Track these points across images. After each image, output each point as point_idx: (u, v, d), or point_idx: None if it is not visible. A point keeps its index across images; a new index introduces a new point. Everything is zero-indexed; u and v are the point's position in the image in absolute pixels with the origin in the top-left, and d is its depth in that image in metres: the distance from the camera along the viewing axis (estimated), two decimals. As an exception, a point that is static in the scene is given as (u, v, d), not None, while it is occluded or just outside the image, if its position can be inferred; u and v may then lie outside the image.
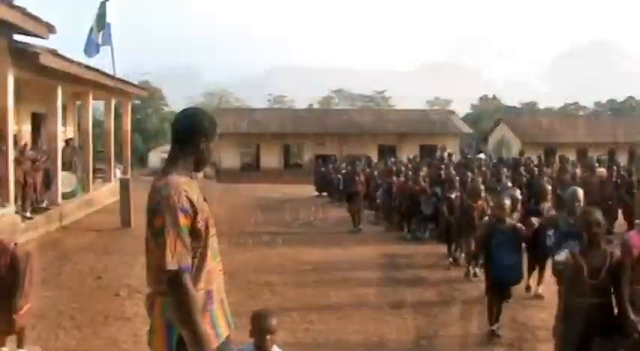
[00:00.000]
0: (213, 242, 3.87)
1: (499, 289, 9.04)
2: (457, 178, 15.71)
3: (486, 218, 10.87)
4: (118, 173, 28.00)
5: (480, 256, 10.01)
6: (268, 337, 4.78)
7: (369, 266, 13.94)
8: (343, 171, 28.68)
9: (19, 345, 7.24)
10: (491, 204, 11.36)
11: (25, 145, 17.69)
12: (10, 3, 13.26)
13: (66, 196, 20.38)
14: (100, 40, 19.46)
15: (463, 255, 13.53)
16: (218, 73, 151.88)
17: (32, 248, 13.25)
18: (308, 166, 48.86)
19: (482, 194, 12.90)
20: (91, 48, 19.43)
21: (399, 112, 59.47)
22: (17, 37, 15.46)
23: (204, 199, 3.88)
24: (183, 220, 3.63)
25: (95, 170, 25.93)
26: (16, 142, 16.55)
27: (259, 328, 4.79)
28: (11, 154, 15.61)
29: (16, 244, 7.23)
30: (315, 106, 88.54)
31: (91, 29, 19.38)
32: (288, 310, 10.12)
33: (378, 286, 12.11)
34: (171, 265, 3.57)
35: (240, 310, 8.62)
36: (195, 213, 3.70)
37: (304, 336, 9.11)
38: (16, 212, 15.87)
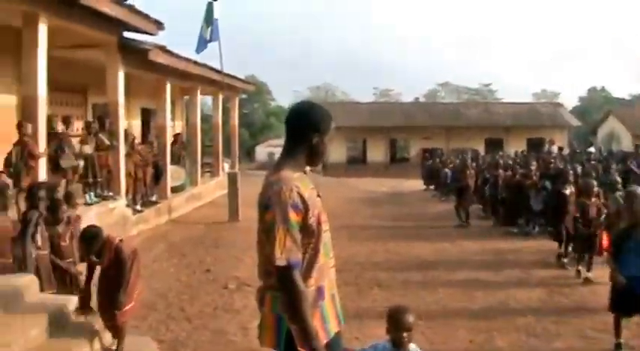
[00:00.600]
0: (325, 238, 3.80)
1: (626, 301, 7.89)
2: (571, 172, 15.01)
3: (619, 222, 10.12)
4: (226, 167, 28.46)
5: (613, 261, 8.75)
6: (406, 334, 4.64)
7: (476, 262, 13.64)
8: (451, 165, 28.32)
9: (119, 341, 7.26)
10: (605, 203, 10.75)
11: (134, 139, 18.13)
12: (120, 1, 13.60)
13: (175, 189, 20.84)
14: (208, 36, 19.81)
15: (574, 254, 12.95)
16: (325, 67, 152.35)
17: (138, 244, 13.55)
18: (414, 159, 48.52)
19: (595, 189, 12.37)
20: (200, 44, 19.81)
21: (505, 105, 58.18)
22: (127, 34, 15.88)
23: (318, 195, 3.82)
24: (293, 216, 3.58)
25: (203, 164, 26.43)
26: (126, 137, 16.99)
27: (397, 324, 4.65)
28: (122, 149, 16.06)
29: (121, 240, 7.30)
30: (421, 99, 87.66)
31: (202, 26, 19.77)
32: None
33: (485, 283, 11.81)
34: (281, 260, 3.53)
35: (348, 306, 8.63)
36: (307, 209, 3.64)
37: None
38: (127, 205, 16.32)
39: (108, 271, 7.13)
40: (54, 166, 12.95)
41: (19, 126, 11.64)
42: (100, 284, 7.20)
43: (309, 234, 3.69)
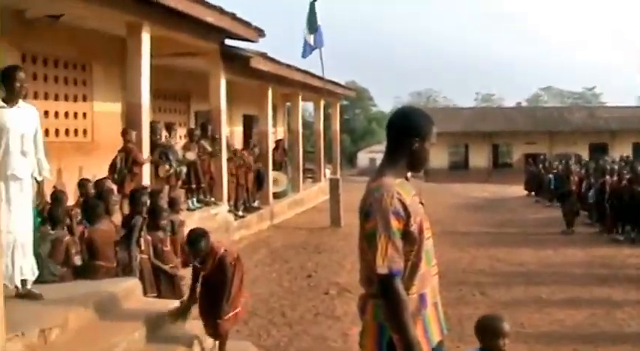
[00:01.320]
0: (427, 246, 3.69)
1: None
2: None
3: None
4: (328, 173, 28.53)
5: None
6: (502, 341, 4.46)
7: (581, 270, 13.23)
8: (554, 170, 27.63)
9: (220, 348, 7.20)
10: None
11: (235, 149, 18.33)
12: (221, 9, 13.76)
13: (277, 195, 20.98)
14: (312, 42, 19.90)
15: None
16: (426, 72, 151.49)
17: (240, 249, 13.67)
18: (517, 165, 47.59)
19: None
20: (306, 49, 19.94)
21: (610, 109, 56.34)
22: (228, 41, 16.06)
23: (421, 202, 3.73)
24: (395, 224, 3.49)
25: (305, 170, 26.51)
26: (228, 144, 17.18)
27: (492, 332, 4.48)
28: (224, 155, 16.23)
29: (226, 250, 7.22)
30: (524, 104, 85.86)
31: (305, 29, 19.88)
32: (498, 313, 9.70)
33: (591, 291, 11.37)
34: (382, 268, 3.45)
35: (450, 313, 8.43)
36: (409, 216, 3.54)
37: (515, 338, 8.66)
38: (229, 211, 16.49)
39: (210, 278, 7.05)
40: (157, 172, 13.18)
41: (124, 133, 11.88)
42: (201, 292, 7.12)
43: (411, 241, 3.59)
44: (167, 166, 13.31)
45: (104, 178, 11.49)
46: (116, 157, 11.71)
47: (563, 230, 18.45)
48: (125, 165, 11.63)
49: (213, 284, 7.01)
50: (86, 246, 8.08)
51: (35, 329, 5.64)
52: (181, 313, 7.12)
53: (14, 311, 5.61)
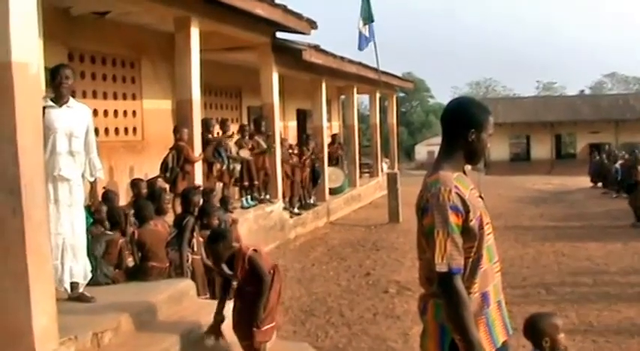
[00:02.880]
0: (488, 241, 3.64)
1: None
2: None
3: None
4: (385, 168, 28.41)
5: None
6: (553, 339, 4.37)
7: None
8: (621, 160, 27.06)
9: None
10: None
11: (289, 143, 18.32)
12: (272, 1, 13.72)
13: (333, 191, 20.93)
14: (367, 33, 19.83)
15: None
16: (484, 62, 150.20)
17: (296, 248, 13.61)
18: (581, 155, 46.81)
19: None
20: (362, 41, 19.87)
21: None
22: (279, 34, 16.04)
23: (480, 196, 3.68)
24: (453, 219, 3.45)
25: (361, 165, 26.46)
26: (282, 139, 17.18)
27: (543, 330, 4.40)
28: (278, 151, 16.23)
29: (255, 249, 6.77)
30: (587, 91, 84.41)
31: (359, 20, 19.83)
32: (565, 311, 9.58)
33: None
34: (441, 266, 3.41)
35: (514, 312, 8.27)
36: (467, 211, 3.50)
37: (582, 339, 8.47)
38: (284, 209, 16.50)
39: (244, 286, 6.62)
40: (210, 170, 13.22)
41: (175, 130, 11.93)
42: (235, 302, 6.72)
43: (471, 237, 3.54)
44: (218, 165, 13.34)
45: (156, 177, 11.58)
46: (167, 155, 11.76)
47: (633, 223, 18.00)
48: (177, 163, 11.68)
49: (249, 293, 6.58)
50: (138, 247, 8.13)
51: (88, 333, 5.69)
52: (213, 332, 6.65)
53: (67, 314, 5.66)
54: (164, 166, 11.70)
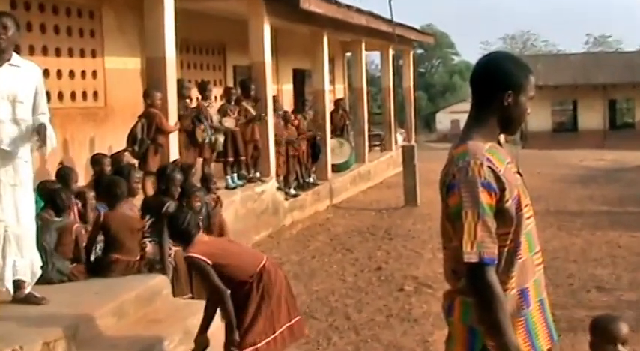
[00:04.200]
0: (528, 227, 3.63)
1: None
2: None
3: None
4: (400, 140, 28.42)
5: None
6: (619, 347, 4.38)
7: None
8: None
9: None
10: None
11: (284, 112, 18.22)
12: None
13: (337, 168, 20.94)
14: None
15: None
16: (521, 11, 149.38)
17: (292, 236, 13.62)
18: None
19: None
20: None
21: None
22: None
23: (518, 172, 3.69)
24: (485, 199, 3.44)
25: (371, 137, 26.52)
26: (275, 106, 17.10)
27: (607, 336, 4.39)
28: (270, 120, 16.17)
29: (202, 258, 6.52)
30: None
31: None
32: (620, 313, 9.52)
33: None
34: (471, 256, 3.39)
35: (558, 314, 8.26)
36: (503, 189, 3.49)
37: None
38: (278, 189, 16.47)
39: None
40: (191, 139, 13.18)
41: (146, 95, 11.90)
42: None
43: (507, 221, 3.52)
44: (203, 135, 13.29)
45: (122, 150, 11.55)
46: (136, 124, 11.73)
47: None
48: (148, 134, 11.65)
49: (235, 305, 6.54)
50: (104, 234, 8.11)
51: (37, 342, 5.67)
52: (200, 336, 6.60)
53: (10, 320, 5.64)
54: (132, 138, 11.66)
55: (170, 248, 8.31)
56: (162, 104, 11.92)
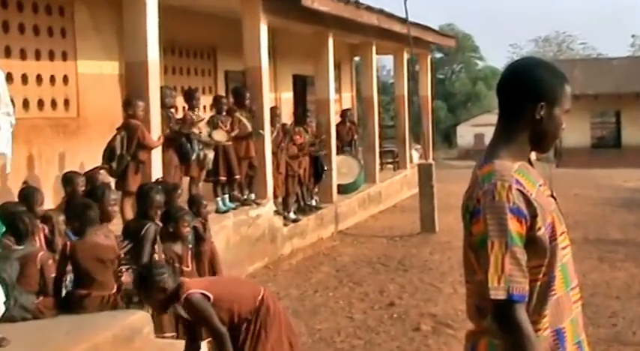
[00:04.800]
0: (564, 259, 3.63)
1: None
2: None
3: None
4: (415, 156, 28.50)
5: None
6: None
7: None
8: None
9: None
10: None
11: (283, 124, 18.22)
12: None
13: (344, 189, 21.00)
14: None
15: None
16: (555, 10, 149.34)
17: (293, 267, 13.65)
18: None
19: None
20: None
21: None
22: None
23: (552, 195, 3.68)
24: (514, 226, 3.43)
25: (383, 153, 26.64)
26: (274, 118, 17.09)
27: None
28: (267, 134, 16.17)
29: (204, 294, 6.67)
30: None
31: None
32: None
33: None
34: (498, 292, 3.39)
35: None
36: (534, 215, 3.47)
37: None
38: (276, 213, 16.48)
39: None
40: (183, 160, 13.18)
41: (126, 104, 11.89)
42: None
43: (539, 252, 3.51)
44: (194, 155, 13.30)
45: (97, 167, 11.54)
46: (114, 138, 11.70)
47: None
48: (128, 149, 11.63)
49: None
50: (72, 266, 8.10)
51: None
52: None
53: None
54: (109, 153, 11.64)
55: None
56: (145, 115, 11.92)
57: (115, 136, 11.74)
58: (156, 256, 8.50)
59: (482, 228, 3.45)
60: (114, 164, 11.59)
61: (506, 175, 3.49)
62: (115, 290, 8.10)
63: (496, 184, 3.46)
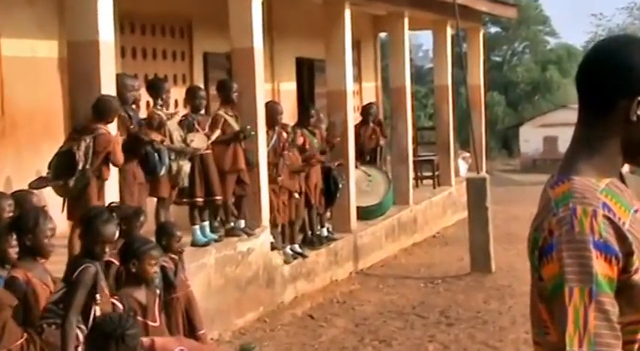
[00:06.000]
0: None
1: None
2: None
3: None
4: (463, 168, 28.43)
5: None
6: None
7: None
8: None
9: None
10: None
11: (283, 126, 18.16)
12: None
13: (366, 213, 21.01)
14: None
15: None
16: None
17: (298, 319, 13.71)
18: None
19: None
20: None
21: None
22: None
23: None
24: (602, 268, 3.32)
25: (418, 163, 26.63)
26: (272, 117, 16.97)
27: None
28: (262, 139, 16.11)
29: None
30: None
31: None
32: None
33: None
34: None
35: None
36: (629, 252, 3.37)
37: None
38: (274, 247, 16.44)
39: None
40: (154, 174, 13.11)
41: (100, 107, 11.64)
42: None
43: (636, 303, 3.43)
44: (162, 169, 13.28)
45: (42, 182, 11.47)
46: (77, 145, 11.38)
47: None
48: (90, 163, 11.45)
49: None
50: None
51: None
52: None
53: None
54: (65, 165, 11.44)
55: (78, 335, 8.25)
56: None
57: (77, 142, 11.36)
58: (95, 308, 8.41)
59: (557, 270, 3.35)
60: (71, 181, 11.42)
61: (590, 197, 3.39)
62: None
63: (576, 210, 3.35)
